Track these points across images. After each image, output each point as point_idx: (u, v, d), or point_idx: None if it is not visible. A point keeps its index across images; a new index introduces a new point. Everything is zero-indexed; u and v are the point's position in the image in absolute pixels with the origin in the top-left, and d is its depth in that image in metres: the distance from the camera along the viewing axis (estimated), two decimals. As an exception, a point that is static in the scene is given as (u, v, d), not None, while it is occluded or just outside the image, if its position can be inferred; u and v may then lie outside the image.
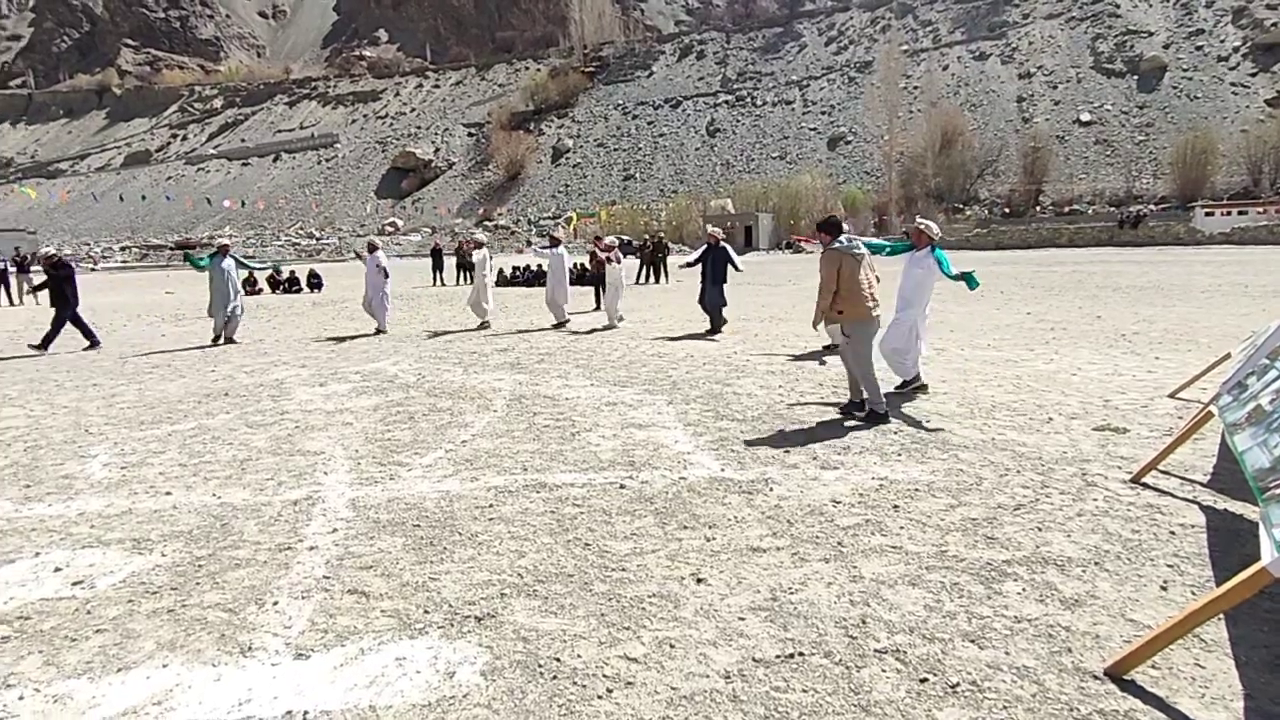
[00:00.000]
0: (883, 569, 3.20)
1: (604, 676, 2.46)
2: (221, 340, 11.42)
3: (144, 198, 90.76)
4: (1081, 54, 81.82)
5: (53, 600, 3.11)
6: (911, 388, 6.70)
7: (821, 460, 4.74)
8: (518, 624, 2.81)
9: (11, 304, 21.80)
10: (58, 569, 3.41)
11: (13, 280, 22.44)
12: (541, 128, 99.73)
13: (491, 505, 4.08)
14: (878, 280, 6.07)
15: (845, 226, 6.09)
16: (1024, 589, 3.00)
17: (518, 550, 3.49)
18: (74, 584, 3.25)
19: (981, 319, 11.83)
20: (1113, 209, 55.50)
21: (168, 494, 4.41)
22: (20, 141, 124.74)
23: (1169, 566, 3.17)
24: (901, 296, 6.72)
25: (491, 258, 13.78)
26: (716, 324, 11.30)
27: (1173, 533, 3.50)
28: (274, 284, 24.10)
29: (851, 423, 5.66)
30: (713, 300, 11.25)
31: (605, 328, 12.05)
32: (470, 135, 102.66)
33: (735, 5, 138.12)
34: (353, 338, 11.83)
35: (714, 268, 11.28)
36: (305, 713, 2.30)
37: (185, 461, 5.08)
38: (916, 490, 4.16)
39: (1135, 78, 75.38)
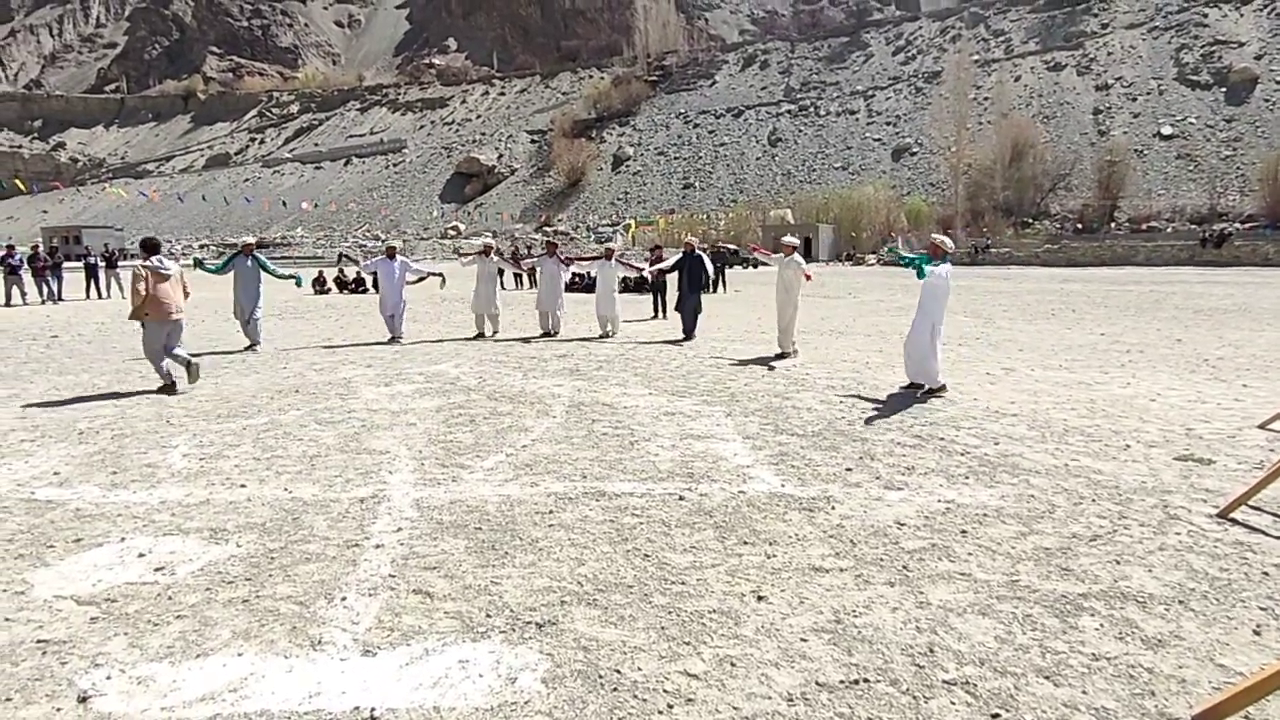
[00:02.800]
0: (950, 596, 3.11)
1: (664, 692, 2.45)
2: (249, 345, 10.74)
3: (226, 201, 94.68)
4: (1164, 65, 78.54)
5: (137, 585, 3.25)
6: (934, 392, 7.18)
7: (885, 480, 4.63)
8: (578, 632, 2.82)
9: (100, 297, 22.98)
10: (141, 555, 3.57)
11: (102, 275, 23.67)
12: (603, 135, 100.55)
13: (551, 511, 4.11)
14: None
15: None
16: (1102, 625, 2.87)
17: (577, 558, 3.50)
18: (156, 570, 3.40)
19: (1053, 338, 11.43)
20: (1194, 227, 52.94)
21: (242, 486, 4.58)
22: (112, 144, 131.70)
23: (1262, 609, 2.99)
24: (921, 307, 7.23)
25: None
26: (688, 331, 11.59)
27: (1266, 573, 3.31)
28: (341, 285, 24.89)
29: (912, 442, 5.52)
30: (689, 307, 11.55)
31: (673, 341, 12.03)
32: (533, 142, 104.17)
33: (801, 15, 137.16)
34: (416, 342, 12.09)
35: (690, 275, 11.50)
36: (372, 709, 2.35)
37: (259, 455, 5.27)
38: (985, 515, 4.03)
39: (1223, 90, 71.93)
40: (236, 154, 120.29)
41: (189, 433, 5.94)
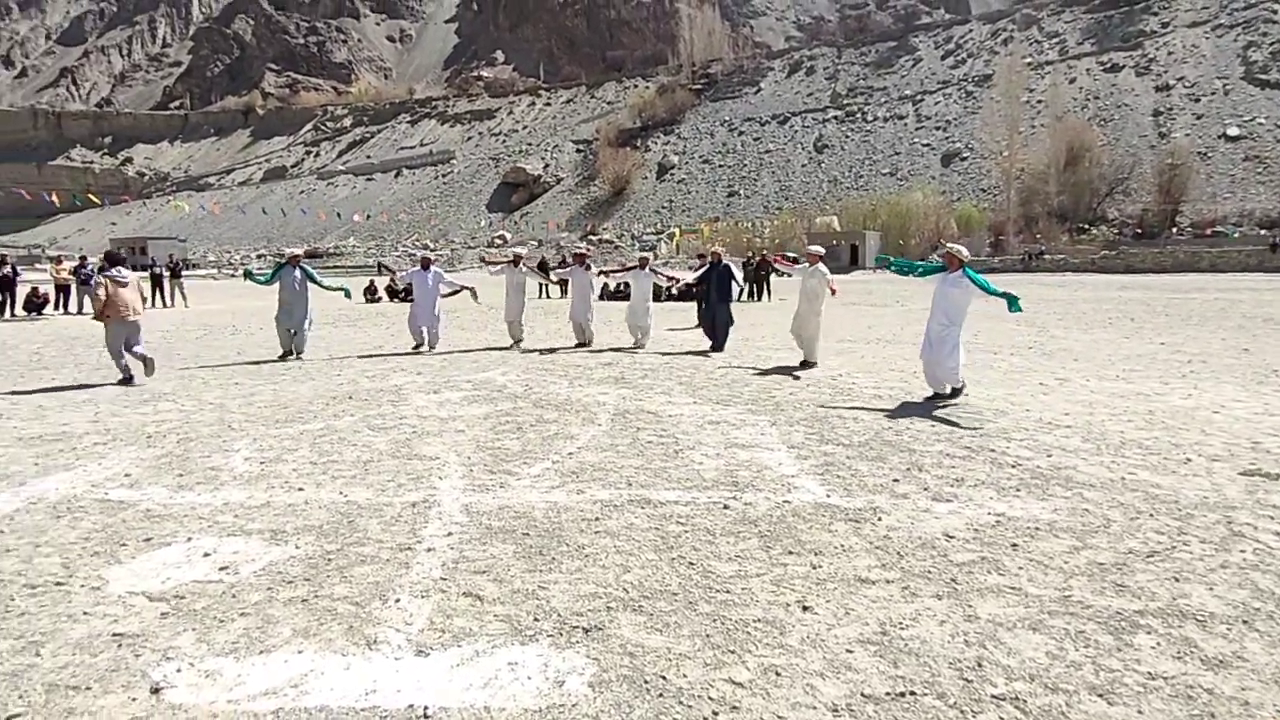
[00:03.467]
0: (1000, 610, 3.06)
1: (710, 699, 2.47)
2: (292, 355, 10.89)
3: (284, 213, 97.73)
4: (1230, 64, 75.67)
5: (203, 583, 3.40)
6: (958, 393, 7.34)
7: (933, 491, 4.58)
8: (624, 638, 2.86)
9: (165, 306, 23.94)
10: (206, 554, 3.73)
11: (166, 284, 24.66)
12: (648, 144, 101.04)
13: (597, 518, 4.17)
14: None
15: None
16: (1159, 643, 2.80)
17: (623, 565, 3.55)
18: (220, 569, 3.55)
19: (1109, 348, 11.11)
20: (1264, 231, 50.77)
21: (300, 490, 4.74)
22: (176, 158, 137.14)
23: (1331, 631, 2.88)
24: (944, 315, 7.25)
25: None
26: (720, 343, 11.36)
27: (1336, 594, 3.19)
28: (392, 293, 25.48)
29: (962, 453, 5.43)
30: (722, 318, 11.30)
31: (707, 351, 12.01)
32: (578, 151, 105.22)
33: (848, 20, 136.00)
34: (465, 351, 12.32)
35: (719, 286, 11.27)
36: (426, 708, 2.43)
37: (315, 460, 5.45)
38: (1037, 529, 3.95)
39: (1293, 88, 69.03)
40: (293, 167, 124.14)
41: (249, 437, 6.17)
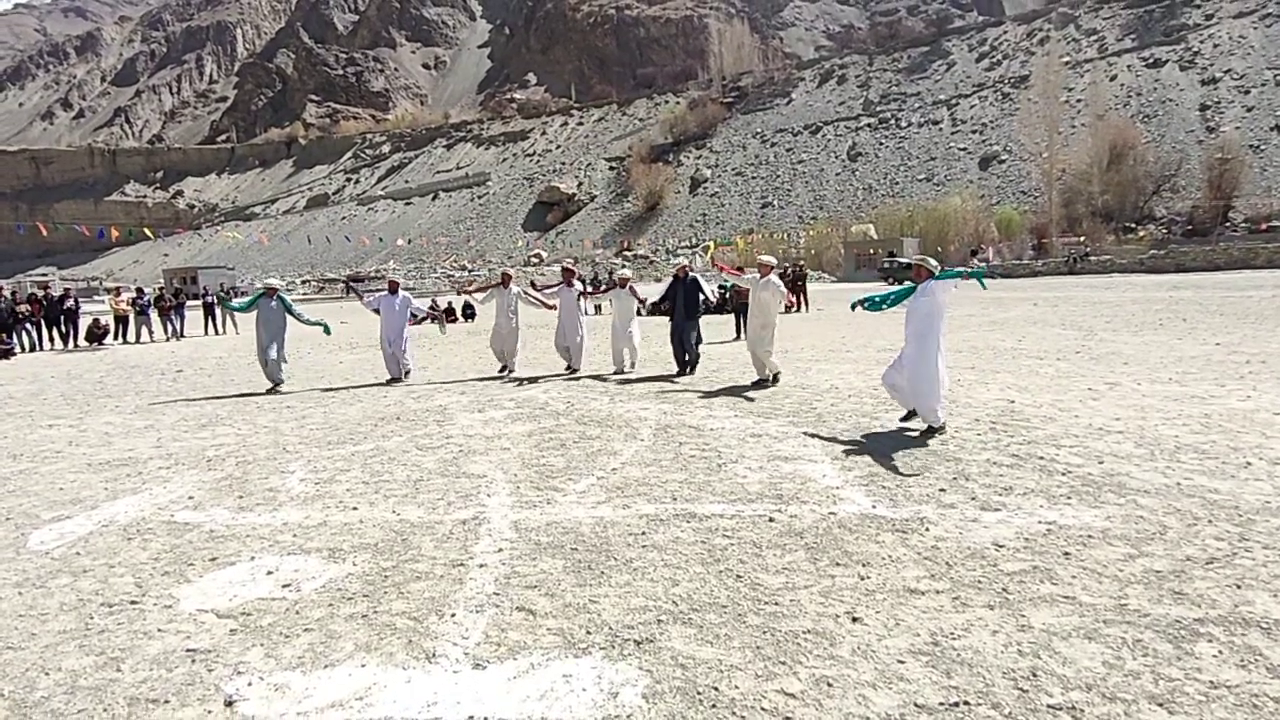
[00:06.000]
0: (1054, 619, 3.03)
1: (762, 710, 2.50)
2: (277, 387, 10.50)
3: (328, 240, 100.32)
4: (1280, 53, 73.38)
5: (267, 600, 3.54)
6: (932, 431, 6.29)
7: (981, 500, 4.54)
8: (675, 650, 2.90)
9: (216, 333, 24.73)
10: (269, 572, 3.88)
11: (218, 311, 25.48)
12: (680, 159, 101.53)
13: (644, 533, 4.22)
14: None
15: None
16: (1221, 652, 2.75)
17: (671, 578, 3.59)
18: (284, 586, 3.69)
19: (1161, 350, 10.82)
20: (1323, 225, 48.91)
21: (354, 509, 4.89)
22: (224, 189, 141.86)
23: (1404, 638, 2.79)
24: (915, 336, 6.44)
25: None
26: (686, 365, 10.38)
27: None
28: (433, 317, 25.94)
29: (1009, 461, 5.36)
30: (689, 339, 10.29)
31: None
32: (611, 169, 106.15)
33: (879, 27, 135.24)
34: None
35: (686, 303, 10.26)
36: (485, 719, 2.50)
37: (367, 480, 5.60)
38: (1090, 537, 3.90)
39: (1349, 76, 66.63)
40: (334, 194, 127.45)
41: (304, 459, 6.36)
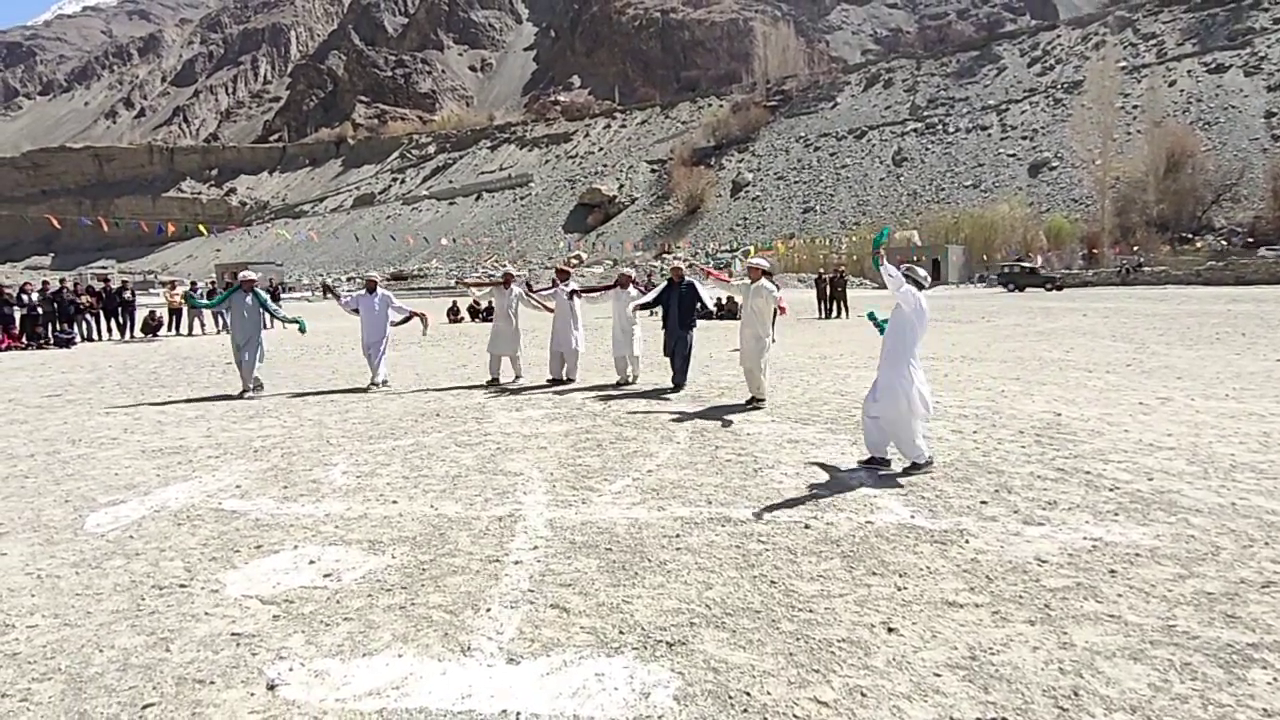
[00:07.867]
0: (1098, 638, 2.96)
1: (795, 717, 2.49)
2: (249, 391, 9.70)
3: (374, 238, 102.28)
4: (1351, 59, 70.43)
5: (309, 588, 3.63)
6: (917, 468, 5.37)
7: (1023, 514, 4.44)
8: (707, 653, 2.90)
9: (266, 327, 25.37)
10: (311, 561, 3.97)
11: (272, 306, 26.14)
12: (722, 162, 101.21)
13: (678, 535, 4.22)
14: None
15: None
16: (1276, 678, 2.65)
17: (705, 581, 3.59)
18: (325, 575, 3.77)
19: (1217, 365, 10.46)
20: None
21: (394, 502, 4.98)
22: (275, 188, 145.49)
23: None
24: (886, 352, 5.53)
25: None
26: (678, 380, 9.48)
27: None
28: (474, 313, 26.28)
29: (1054, 475, 5.24)
30: (682, 349, 9.36)
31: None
32: (653, 171, 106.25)
33: (927, 31, 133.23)
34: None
35: (679, 309, 9.22)
36: (518, 714, 2.53)
37: (407, 474, 5.70)
38: (1137, 555, 3.79)
39: None
40: (380, 193, 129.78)
41: (346, 452, 6.50)
